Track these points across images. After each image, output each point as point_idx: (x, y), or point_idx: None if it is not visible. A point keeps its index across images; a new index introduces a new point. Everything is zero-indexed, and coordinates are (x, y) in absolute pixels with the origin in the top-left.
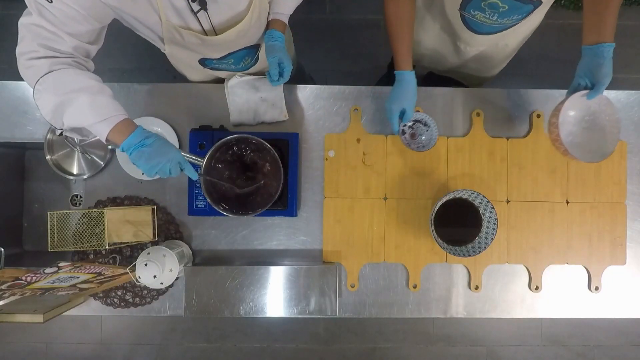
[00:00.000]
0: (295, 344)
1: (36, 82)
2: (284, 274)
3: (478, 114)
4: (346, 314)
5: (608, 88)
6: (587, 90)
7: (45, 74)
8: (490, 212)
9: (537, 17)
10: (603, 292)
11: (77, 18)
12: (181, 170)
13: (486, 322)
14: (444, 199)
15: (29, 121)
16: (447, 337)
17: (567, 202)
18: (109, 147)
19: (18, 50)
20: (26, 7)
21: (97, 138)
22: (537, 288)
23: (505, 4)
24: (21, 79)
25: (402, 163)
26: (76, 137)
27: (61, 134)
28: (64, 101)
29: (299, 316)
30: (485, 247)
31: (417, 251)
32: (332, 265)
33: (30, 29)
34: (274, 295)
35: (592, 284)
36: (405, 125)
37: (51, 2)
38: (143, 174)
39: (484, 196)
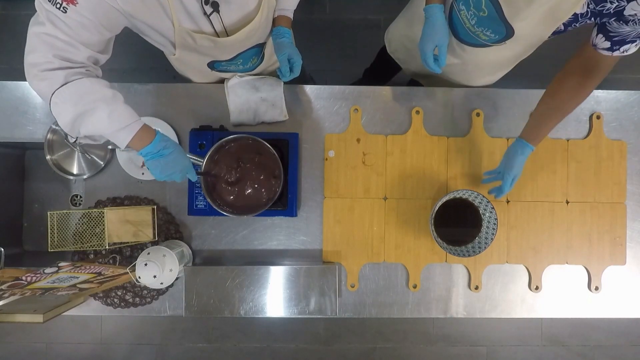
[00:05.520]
0: (295, 344)
1: (52, 95)
2: (284, 274)
3: (478, 114)
4: (346, 314)
5: (608, 88)
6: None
7: (61, 86)
8: (490, 212)
9: (508, 54)
10: (603, 292)
11: (90, 28)
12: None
13: (486, 322)
14: (444, 199)
15: (29, 121)
16: (447, 337)
17: (567, 202)
18: (109, 147)
19: (30, 60)
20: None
21: (103, 141)
22: (537, 288)
23: (486, 9)
24: (21, 79)
25: (402, 163)
26: (89, 142)
27: (75, 141)
28: (82, 112)
29: (299, 316)
30: (485, 247)
31: (417, 251)
32: (332, 265)
33: (44, 39)
34: (274, 295)
35: (592, 284)
36: None
37: (65, 12)
38: (143, 174)
39: (484, 196)
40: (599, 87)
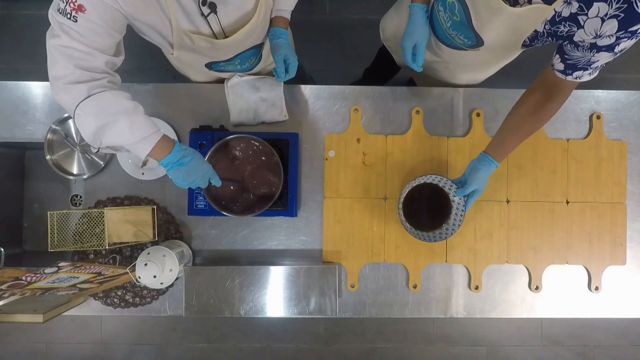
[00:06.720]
0: (295, 344)
1: (76, 107)
2: (284, 274)
3: (478, 114)
4: (346, 314)
5: (608, 88)
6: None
7: (85, 99)
8: (460, 197)
9: (487, 59)
10: (603, 292)
11: (101, 33)
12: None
13: (486, 322)
14: (409, 187)
15: (29, 121)
16: (447, 337)
17: (567, 202)
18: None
19: (53, 74)
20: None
21: (125, 151)
22: (537, 288)
23: (458, 14)
24: (21, 79)
25: (402, 163)
26: (111, 152)
27: (97, 151)
28: (104, 124)
29: (299, 316)
30: (452, 232)
31: (417, 251)
32: (332, 265)
33: (62, 51)
34: (274, 295)
35: (592, 284)
36: None
37: (76, 21)
38: (143, 174)
39: (453, 182)
40: (599, 87)
